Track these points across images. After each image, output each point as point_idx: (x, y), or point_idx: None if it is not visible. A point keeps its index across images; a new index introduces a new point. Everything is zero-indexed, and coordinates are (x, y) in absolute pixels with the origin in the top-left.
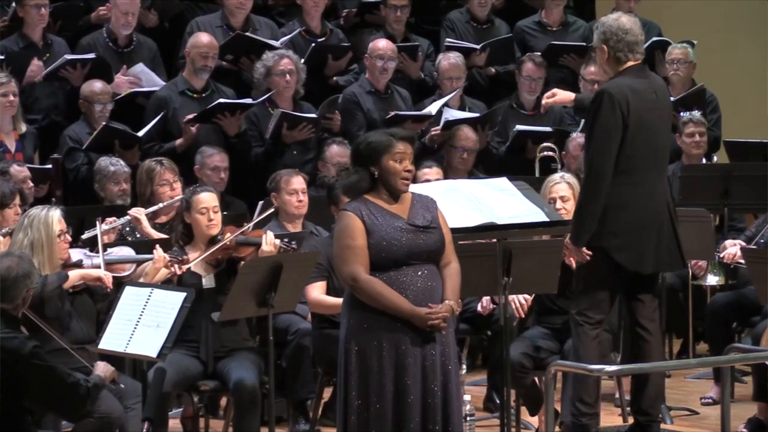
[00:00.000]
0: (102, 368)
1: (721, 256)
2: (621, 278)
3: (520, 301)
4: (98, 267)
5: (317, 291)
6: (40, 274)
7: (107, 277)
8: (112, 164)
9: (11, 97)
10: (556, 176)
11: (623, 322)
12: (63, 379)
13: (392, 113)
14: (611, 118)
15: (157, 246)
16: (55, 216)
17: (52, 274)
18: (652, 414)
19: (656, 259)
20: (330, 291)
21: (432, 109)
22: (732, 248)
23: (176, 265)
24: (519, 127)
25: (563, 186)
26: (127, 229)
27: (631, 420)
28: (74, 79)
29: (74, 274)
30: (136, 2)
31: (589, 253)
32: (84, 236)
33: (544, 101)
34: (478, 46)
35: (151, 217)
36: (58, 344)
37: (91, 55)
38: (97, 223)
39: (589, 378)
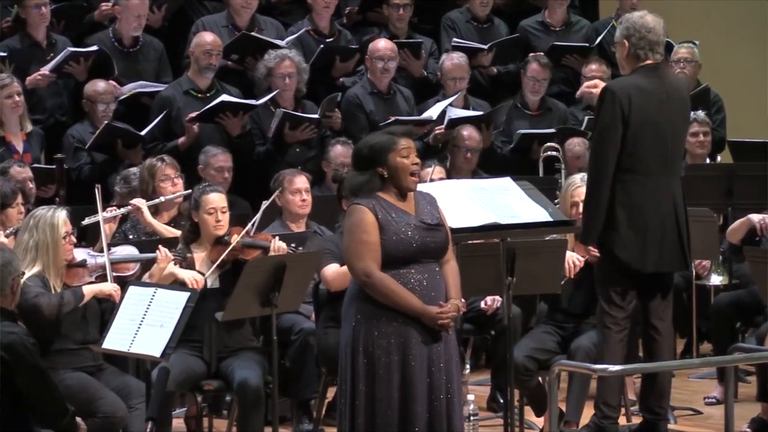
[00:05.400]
0: None
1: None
2: (632, 275)
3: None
4: (103, 267)
5: (333, 268)
6: (47, 279)
7: (118, 293)
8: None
9: (16, 98)
10: (577, 179)
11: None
12: (52, 389)
13: (392, 118)
14: (609, 116)
15: (160, 246)
16: (60, 217)
17: (68, 293)
18: (659, 412)
19: (658, 259)
20: None
21: (433, 113)
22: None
23: (194, 281)
24: (522, 130)
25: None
26: (128, 224)
27: (635, 419)
28: (78, 74)
29: (88, 291)
30: (146, 4)
31: (596, 251)
32: (85, 222)
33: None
34: (485, 46)
35: (152, 212)
36: (60, 345)
37: (94, 48)
38: (99, 205)
39: (613, 381)
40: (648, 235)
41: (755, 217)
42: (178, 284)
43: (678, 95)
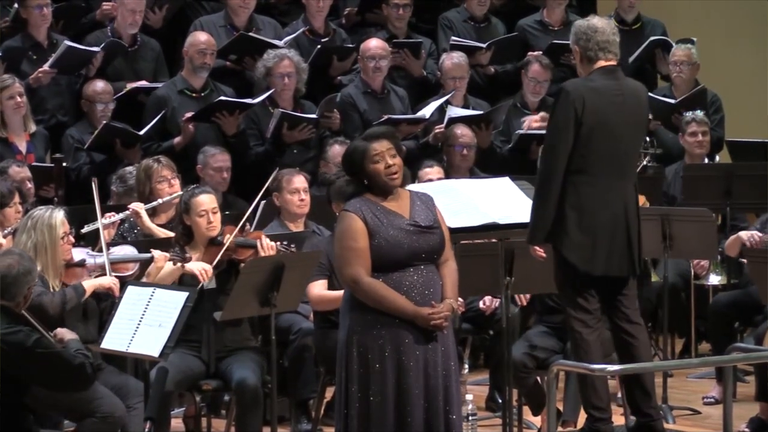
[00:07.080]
0: (66, 334)
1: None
2: (586, 278)
3: None
4: (101, 266)
5: (318, 288)
6: (46, 280)
7: (117, 285)
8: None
9: (18, 99)
10: None
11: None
12: (70, 361)
13: (385, 117)
14: (562, 116)
15: (152, 249)
16: (58, 218)
17: (69, 290)
18: (651, 414)
19: (607, 262)
20: (331, 289)
21: (426, 111)
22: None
23: (203, 272)
24: (520, 131)
25: None
26: (126, 225)
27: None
28: (91, 69)
29: (89, 286)
30: (143, 0)
31: (542, 253)
32: (84, 230)
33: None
34: (483, 45)
35: (150, 214)
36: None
37: (96, 49)
38: (98, 215)
39: (597, 382)
40: (597, 238)
41: (744, 235)
42: (188, 277)
43: (635, 99)
